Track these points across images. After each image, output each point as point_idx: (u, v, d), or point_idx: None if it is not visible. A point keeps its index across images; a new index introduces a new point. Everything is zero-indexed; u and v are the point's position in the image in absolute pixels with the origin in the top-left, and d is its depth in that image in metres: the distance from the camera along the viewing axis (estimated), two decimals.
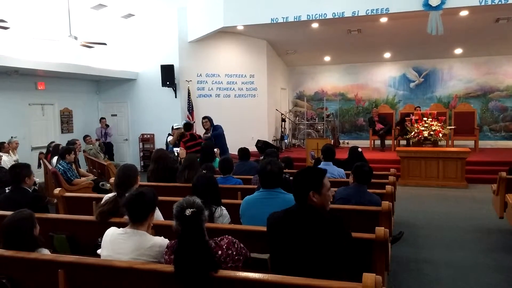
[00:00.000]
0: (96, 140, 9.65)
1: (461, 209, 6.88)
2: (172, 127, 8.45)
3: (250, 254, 2.35)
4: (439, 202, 7.37)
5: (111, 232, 2.42)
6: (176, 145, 7.72)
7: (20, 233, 2.49)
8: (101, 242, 2.98)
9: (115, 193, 3.16)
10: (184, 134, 7.86)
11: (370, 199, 3.43)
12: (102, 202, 3.16)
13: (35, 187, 6.02)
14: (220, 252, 2.11)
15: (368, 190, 3.61)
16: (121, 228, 2.41)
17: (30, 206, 3.32)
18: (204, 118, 8.41)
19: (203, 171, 3.69)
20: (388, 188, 4.01)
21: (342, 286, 1.81)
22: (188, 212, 2.06)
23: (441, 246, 5.04)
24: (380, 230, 2.47)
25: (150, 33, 11.45)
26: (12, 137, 8.70)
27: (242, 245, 2.25)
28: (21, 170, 3.70)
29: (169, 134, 8.44)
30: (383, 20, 9.87)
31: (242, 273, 2.00)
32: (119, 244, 2.32)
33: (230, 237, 2.22)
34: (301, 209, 2.30)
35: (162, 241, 2.34)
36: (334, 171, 5.02)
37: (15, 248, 2.45)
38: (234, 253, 2.16)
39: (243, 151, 5.76)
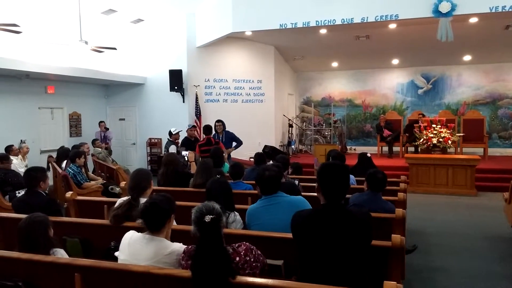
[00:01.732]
0: (105, 143, 9.68)
1: (471, 217, 6.82)
2: (170, 132, 8.38)
3: (266, 260, 2.32)
4: (449, 210, 7.31)
5: (130, 236, 2.41)
6: (185, 149, 7.71)
7: (36, 236, 2.51)
8: (114, 246, 2.99)
9: (129, 196, 3.16)
10: (191, 139, 7.85)
11: (384, 207, 3.41)
12: (116, 206, 3.16)
13: (47, 191, 6.03)
14: (238, 258, 2.10)
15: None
16: (139, 233, 2.40)
17: (44, 209, 3.34)
18: (217, 121, 8.43)
19: (217, 176, 3.68)
20: (401, 195, 3.98)
21: None
22: (207, 218, 2.05)
23: (453, 254, 4.99)
24: (397, 238, 2.44)
25: (159, 38, 11.52)
26: (21, 141, 8.75)
27: (259, 252, 2.23)
28: (36, 173, 3.72)
29: (168, 139, 8.39)
30: (392, 26, 9.86)
31: (260, 279, 1.98)
32: (137, 249, 2.31)
33: (247, 243, 2.20)
34: (331, 208, 2.20)
35: (180, 247, 2.33)
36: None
37: (30, 250, 2.46)
38: (252, 259, 2.14)
39: (259, 155, 5.76)
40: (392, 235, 2.47)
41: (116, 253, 2.43)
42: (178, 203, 3.90)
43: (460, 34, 9.21)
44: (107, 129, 10.96)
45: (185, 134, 8.54)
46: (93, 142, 9.21)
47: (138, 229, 2.50)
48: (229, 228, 2.98)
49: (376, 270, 2.42)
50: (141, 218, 2.36)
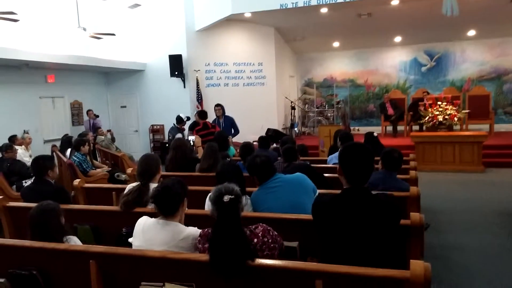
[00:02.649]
0: (108, 131, 9.58)
1: (480, 193, 6.77)
2: (180, 118, 8.28)
3: (283, 242, 2.27)
4: (457, 187, 7.27)
5: (143, 222, 2.36)
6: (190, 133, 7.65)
7: (48, 224, 2.47)
8: (126, 232, 2.95)
9: (139, 182, 3.10)
10: (198, 123, 7.78)
11: (400, 186, 3.33)
12: (126, 192, 3.11)
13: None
14: (255, 240, 2.05)
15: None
16: (153, 219, 2.35)
17: (53, 198, 3.29)
18: (217, 105, 8.34)
19: (227, 159, 3.62)
20: (412, 173, 3.91)
21: (389, 274, 1.73)
22: (226, 198, 2.00)
23: (465, 231, 4.95)
24: (416, 216, 2.38)
25: (157, 23, 11.33)
26: (24, 131, 8.68)
27: (276, 232, 2.18)
28: (45, 162, 3.65)
29: (174, 125, 8.31)
30: (395, 3, 9.68)
31: (280, 261, 1.93)
32: (152, 235, 2.27)
33: (264, 225, 2.15)
34: (355, 192, 2.08)
35: (196, 232, 2.28)
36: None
37: (43, 238, 2.42)
38: (270, 240, 2.09)
39: (264, 139, 5.69)
40: (411, 213, 2.42)
41: (130, 239, 2.39)
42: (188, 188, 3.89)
43: (464, 8, 9.01)
44: (97, 116, 10.60)
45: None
46: (96, 130, 9.14)
47: (150, 215, 2.45)
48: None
49: (397, 249, 2.36)
50: (154, 203, 2.31)
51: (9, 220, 3.34)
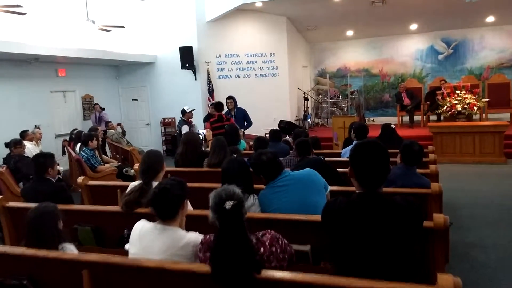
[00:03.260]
0: (117, 124, 9.47)
1: (502, 186, 6.47)
2: (183, 111, 8.12)
3: (293, 250, 2.06)
4: (477, 179, 6.97)
5: (140, 227, 2.20)
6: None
7: (44, 228, 2.33)
8: (127, 234, 2.80)
9: (141, 181, 2.95)
10: (212, 114, 7.63)
11: (419, 182, 3.10)
12: (127, 191, 2.97)
13: (59, 176, 5.90)
14: (262, 249, 1.86)
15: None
16: (151, 223, 2.18)
17: (53, 197, 3.16)
18: (228, 98, 8.16)
19: (234, 154, 3.44)
20: (432, 167, 3.67)
21: None
22: (228, 205, 1.80)
23: (488, 227, 4.70)
24: (439, 218, 2.17)
25: (167, 14, 11.15)
26: (36, 126, 8.64)
27: (286, 241, 1.97)
28: (45, 159, 3.52)
29: (180, 118, 8.15)
30: None
31: (289, 273, 1.74)
32: (148, 242, 2.10)
33: (272, 232, 1.94)
34: (369, 198, 1.83)
35: (197, 238, 2.09)
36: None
37: (38, 243, 2.29)
38: (279, 250, 1.90)
39: (275, 132, 5.50)
40: (434, 214, 2.20)
41: (127, 246, 2.23)
42: (193, 185, 3.71)
43: None
44: (103, 109, 10.33)
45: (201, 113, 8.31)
46: (106, 124, 9.05)
47: (151, 217, 2.28)
48: (248, 212, 2.74)
49: (417, 257, 2.15)
50: (151, 206, 2.13)
51: (9, 221, 3.23)
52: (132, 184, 3.07)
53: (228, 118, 7.51)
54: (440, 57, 13.04)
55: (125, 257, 2.10)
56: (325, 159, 4.63)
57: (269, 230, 1.94)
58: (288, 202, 2.67)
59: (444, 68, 12.99)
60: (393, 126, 5.57)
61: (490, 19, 11.77)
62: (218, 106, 7.58)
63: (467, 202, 5.68)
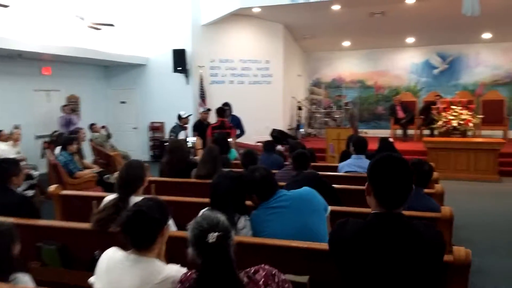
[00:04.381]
0: (102, 127, 9.07)
1: (499, 205, 6.29)
2: (179, 116, 7.81)
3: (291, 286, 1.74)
4: (473, 198, 6.77)
5: (109, 256, 1.84)
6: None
7: None
8: (98, 256, 2.48)
9: (117, 194, 2.62)
10: (204, 123, 7.35)
11: (428, 205, 2.84)
12: (100, 207, 2.63)
13: (34, 182, 5.55)
14: None
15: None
16: (122, 252, 1.82)
17: (16, 210, 2.83)
18: (224, 104, 7.88)
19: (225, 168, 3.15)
20: (438, 187, 3.42)
21: None
22: (212, 238, 1.48)
23: (488, 251, 4.46)
24: (461, 251, 1.91)
25: (161, 15, 10.86)
26: (15, 125, 8.23)
27: (283, 276, 1.64)
28: (8, 166, 3.08)
29: (176, 124, 7.82)
30: (410, 1, 9.20)
31: None
32: (118, 275, 1.74)
33: (267, 267, 1.61)
34: (390, 220, 1.61)
35: (177, 272, 1.74)
36: (366, 166, 4.41)
37: None
38: None
39: (268, 143, 5.25)
40: (455, 247, 1.95)
41: (91, 279, 1.86)
42: (179, 198, 3.41)
43: (482, 9, 8.50)
44: (73, 110, 9.52)
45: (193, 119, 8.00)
46: (91, 126, 8.65)
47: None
48: (239, 235, 2.43)
49: None
50: (123, 232, 1.77)
51: None
52: (106, 199, 2.72)
53: (230, 127, 7.19)
54: (435, 71, 12.95)
55: None
56: (321, 173, 4.38)
57: (263, 266, 1.61)
58: (285, 225, 2.36)
59: (438, 82, 12.90)
60: (391, 140, 5.34)
61: (487, 35, 11.72)
62: (220, 111, 7.27)
63: (465, 223, 5.43)
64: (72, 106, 9.93)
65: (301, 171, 3.36)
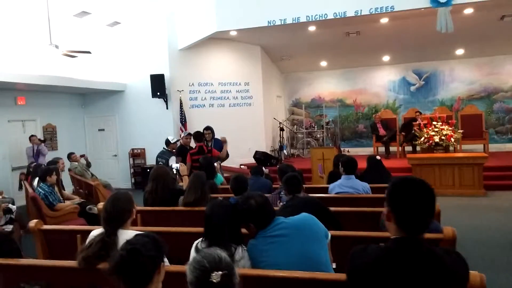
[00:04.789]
0: (81, 156, 8.78)
1: (488, 220, 6.27)
2: (168, 141, 7.64)
3: None
4: (461, 213, 6.75)
5: None
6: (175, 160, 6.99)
7: None
8: None
9: (103, 230, 2.44)
10: (187, 147, 7.18)
11: (430, 226, 2.74)
12: (86, 244, 2.44)
13: (11, 216, 5.24)
14: None
15: None
16: None
17: None
18: (206, 128, 7.75)
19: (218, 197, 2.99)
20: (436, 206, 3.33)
21: None
22: (215, 277, 1.36)
23: (484, 267, 4.36)
24: (476, 277, 1.80)
25: (138, 41, 10.77)
26: None
27: None
28: None
29: (165, 149, 7.63)
30: (384, 21, 9.39)
31: None
32: None
33: None
34: (411, 246, 1.52)
35: None
36: (358, 186, 4.36)
37: None
38: None
39: (257, 167, 5.12)
40: (471, 272, 1.83)
41: None
42: (170, 229, 3.23)
43: (454, 26, 8.74)
44: (43, 141, 9.16)
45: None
46: (69, 156, 8.36)
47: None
48: (237, 267, 2.26)
49: None
50: (116, 273, 1.61)
51: None
52: (92, 234, 2.53)
53: (209, 150, 7.07)
54: (412, 88, 13.17)
55: None
56: (311, 195, 4.26)
57: None
58: (285, 255, 2.20)
59: (416, 99, 13.11)
60: (378, 158, 5.29)
61: (460, 51, 12.04)
62: (198, 136, 7.15)
63: (460, 239, 5.35)
64: (45, 135, 9.62)
65: (294, 195, 3.22)
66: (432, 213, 1.59)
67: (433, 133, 8.86)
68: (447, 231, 2.61)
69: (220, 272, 1.38)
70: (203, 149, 6.92)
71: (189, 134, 7.82)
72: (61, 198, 5.74)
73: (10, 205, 5.34)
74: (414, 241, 1.54)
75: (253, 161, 10.27)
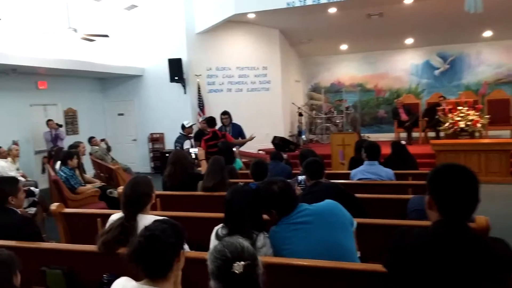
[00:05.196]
0: (101, 140, 8.85)
1: None
2: (183, 125, 7.61)
3: None
4: (487, 201, 6.45)
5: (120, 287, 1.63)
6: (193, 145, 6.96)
7: None
8: (107, 279, 2.26)
9: (123, 214, 2.39)
10: (205, 132, 7.11)
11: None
12: (106, 228, 2.40)
13: (34, 199, 5.30)
14: None
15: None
16: (134, 284, 1.60)
17: (16, 232, 2.60)
18: (223, 113, 7.67)
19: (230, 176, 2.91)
20: None
21: None
22: (238, 267, 1.28)
23: None
24: None
25: (156, 25, 10.69)
26: (13, 141, 7.99)
27: None
28: (4, 186, 2.84)
29: (181, 134, 7.62)
30: (408, 1, 9.05)
31: None
32: None
33: None
34: (456, 231, 1.48)
35: None
36: (381, 172, 4.22)
37: None
38: None
39: (276, 152, 5.10)
40: None
41: None
42: (190, 214, 3.18)
43: (483, 6, 8.35)
44: (60, 126, 9.19)
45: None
46: (90, 140, 8.43)
47: None
48: (258, 255, 2.18)
49: None
50: (135, 260, 1.55)
51: None
52: (112, 218, 2.49)
53: (223, 134, 6.99)
54: (436, 72, 12.77)
55: None
56: (333, 181, 4.14)
57: None
58: (310, 243, 2.11)
59: (440, 83, 12.72)
60: (403, 143, 5.12)
61: (488, 33, 11.57)
62: (210, 122, 7.06)
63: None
64: (67, 120, 9.72)
65: (317, 181, 3.11)
66: (477, 200, 1.51)
67: (458, 118, 8.56)
68: (479, 220, 2.48)
69: (243, 263, 1.30)
70: (216, 134, 6.83)
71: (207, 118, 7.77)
72: (82, 182, 5.77)
73: (32, 188, 5.40)
74: (463, 226, 1.49)
75: (271, 146, 10.17)
